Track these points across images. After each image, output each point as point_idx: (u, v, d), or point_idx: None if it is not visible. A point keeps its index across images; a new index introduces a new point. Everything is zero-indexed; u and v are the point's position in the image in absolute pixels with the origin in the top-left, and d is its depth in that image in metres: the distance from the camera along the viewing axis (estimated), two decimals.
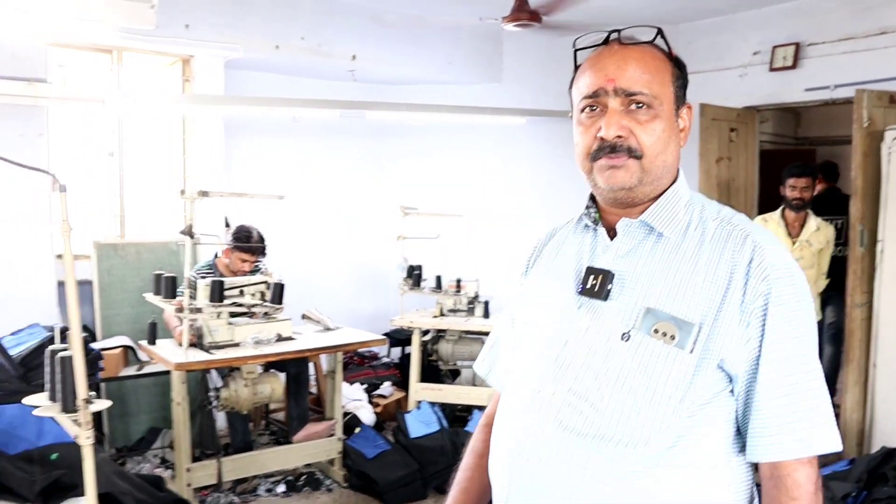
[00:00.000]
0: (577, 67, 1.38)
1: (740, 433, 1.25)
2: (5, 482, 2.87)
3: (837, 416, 4.60)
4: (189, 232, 3.92)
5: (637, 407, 1.20)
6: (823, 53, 5.25)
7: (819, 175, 5.42)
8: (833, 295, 5.00)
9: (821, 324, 4.81)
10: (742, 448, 1.25)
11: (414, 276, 5.40)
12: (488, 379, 1.60)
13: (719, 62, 5.79)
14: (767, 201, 5.70)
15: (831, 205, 5.46)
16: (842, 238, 5.04)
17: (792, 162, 4.90)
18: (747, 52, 5.66)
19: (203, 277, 4.57)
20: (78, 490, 2.74)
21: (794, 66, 5.37)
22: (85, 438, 2.30)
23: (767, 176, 5.94)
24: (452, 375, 5.54)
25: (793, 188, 4.60)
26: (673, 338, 1.21)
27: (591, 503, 1.21)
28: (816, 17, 5.27)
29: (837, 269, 4.82)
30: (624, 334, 1.24)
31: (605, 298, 1.28)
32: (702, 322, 1.21)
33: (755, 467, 1.27)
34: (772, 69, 5.49)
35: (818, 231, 4.62)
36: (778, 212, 4.73)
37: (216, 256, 4.67)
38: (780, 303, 1.21)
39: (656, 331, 1.22)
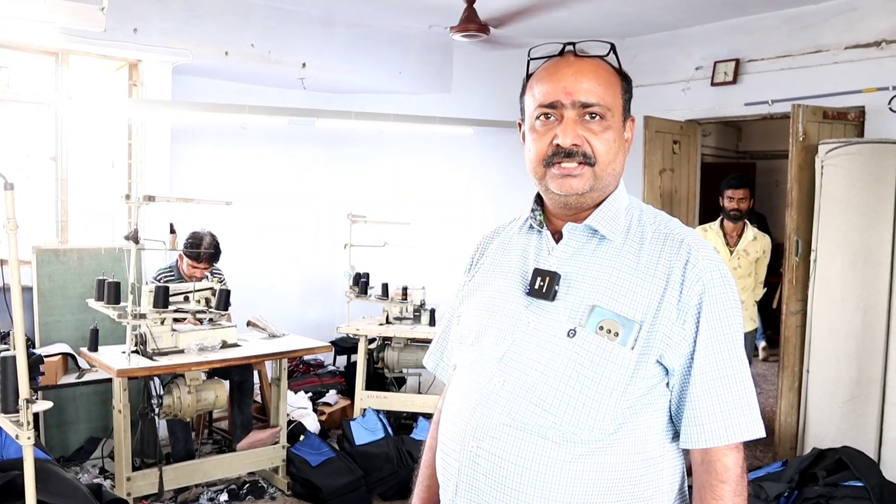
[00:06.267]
0: (528, 75, 1.44)
1: (672, 422, 1.34)
2: None
3: (773, 420, 4.75)
4: (134, 237, 3.87)
5: (582, 398, 1.27)
6: (762, 69, 5.41)
7: None
8: None
9: (756, 332, 4.94)
10: (674, 436, 1.34)
11: (361, 283, 5.40)
12: (436, 372, 1.67)
13: (663, 76, 5.93)
14: (709, 212, 5.85)
15: None
16: None
17: (733, 174, 5.04)
18: (690, 67, 5.81)
19: (164, 279, 4.55)
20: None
21: (734, 82, 5.52)
22: (26, 439, 2.28)
23: (709, 188, 6.10)
24: (398, 383, 5.54)
25: (730, 199, 4.73)
26: (616, 335, 1.28)
27: (538, 486, 1.27)
28: (756, 34, 5.44)
29: None
30: (570, 331, 1.31)
31: (553, 299, 1.35)
32: (642, 320, 1.29)
33: (685, 453, 1.37)
34: (713, 84, 5.64)
35: (755, 241, 4.76)
36: (717, 222, 4.85)
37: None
38: (712, 302, 1.30)
39: (601, 328, 1.29)
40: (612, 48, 1.41)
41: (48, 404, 2.43)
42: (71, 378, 4.35)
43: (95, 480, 4.32)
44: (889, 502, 3.41)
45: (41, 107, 4.81)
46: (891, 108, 4.69)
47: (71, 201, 5.13)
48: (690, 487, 1.39)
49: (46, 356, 4.24)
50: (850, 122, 4.83)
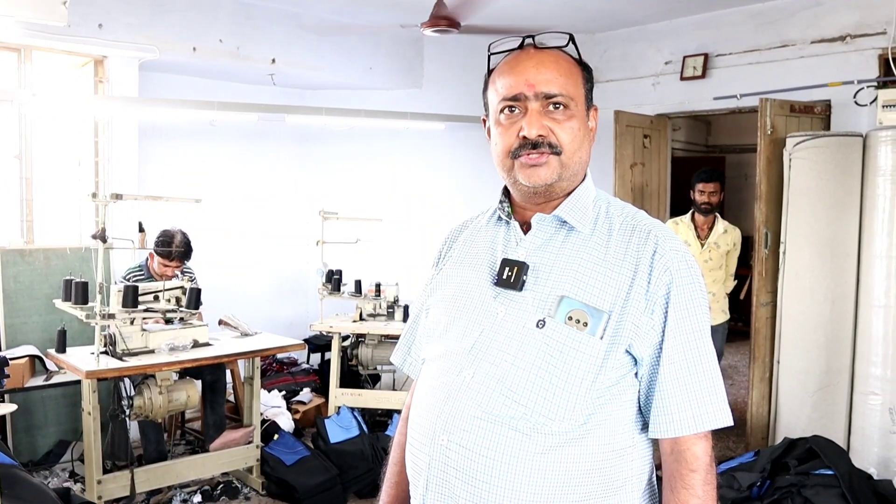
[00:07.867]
0: (490, 70, 1.44)
1: (641, 412, 1.35)
2: None
3: (745, 410, 4.79)
4: (101, 236, 3.81)
5: (552, 388, 1.27)
6: (730, 64, 5.47)
7: None
8: None
9: (727, 323, 4.99)
10: (643, 426, 1.35)
11: (333, 280, 5.36)
12: (403, 368, 1.65)
13: (633, 71, 5.97)
14: (679, 205, 5.89)
15: None
16: None
17: (703, 168, 5.08)
18: (659, 62, 5.85)
19: (134, 279, 4.48)
20: None
21: (703, 76, 5.57)
22: None
23: (679, 181, 6.14)
24: (372, 380, 5.52)
25: (701, 192, 4.77)
26: (585, 325, 1.28)
27: (509, 478, 1.27)
28: (724, 29, 5.49)
29: None
30: (539, 321, 1.31)
31: (521, 289, 1.35)
32: (611, 310, 1.29)
33: (654, 444, 1.37)
34: (682, 78, 5.68)
35: (725, 233, 4.80)
36: (688, 215, 4.89)
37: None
38: (680, 292, 1.31)
39: (570, 318, 1.29)
40: (571, 38, 1.42)
41: (11, 407, 2.38)
42: (38, 380, 4.28)
43: (65, 484, 4.25)
44: (858, 489, 3.46)
45: (4, 104, 4.71)
46: (856, 102, 4.75)
47: (36, 200, 5.03)
48: (659, 479, 1.39)
49: (12, 358, 4.16)
50: (817, 116, 4.89)
